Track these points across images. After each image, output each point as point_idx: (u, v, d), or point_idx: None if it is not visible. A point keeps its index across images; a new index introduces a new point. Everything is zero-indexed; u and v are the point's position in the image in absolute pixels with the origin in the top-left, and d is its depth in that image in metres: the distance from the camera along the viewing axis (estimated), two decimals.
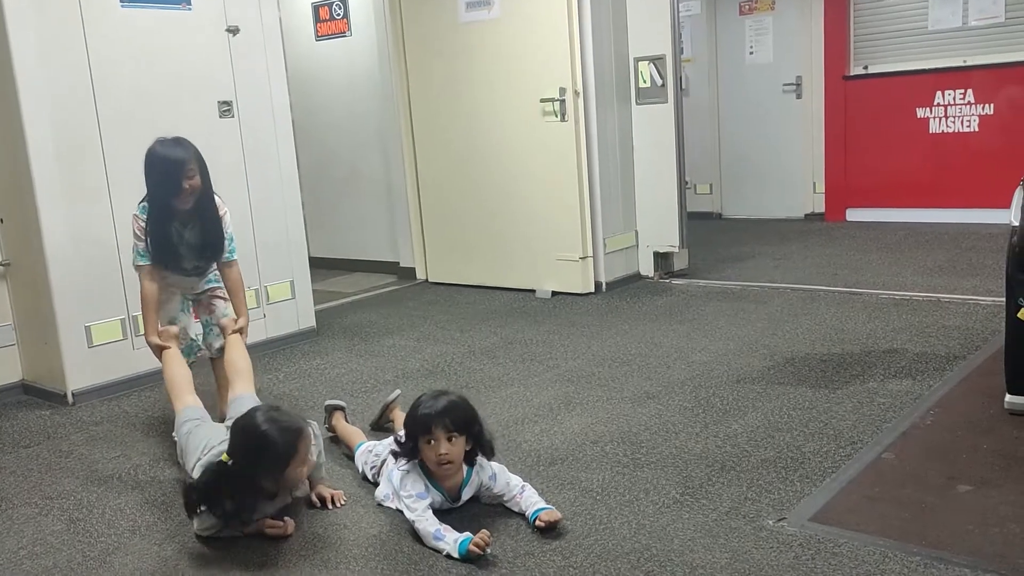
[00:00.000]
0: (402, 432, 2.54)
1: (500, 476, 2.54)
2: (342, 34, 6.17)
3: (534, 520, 2.41)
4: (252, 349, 4.34)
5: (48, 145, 3.70)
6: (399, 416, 3.10)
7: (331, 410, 3.21)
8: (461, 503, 2.54)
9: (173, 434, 2.85)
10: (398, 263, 6.17)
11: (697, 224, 6.40)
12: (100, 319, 3.90)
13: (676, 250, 5.51)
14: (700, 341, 4.16)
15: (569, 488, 2.66)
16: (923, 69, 6.66)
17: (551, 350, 4.21)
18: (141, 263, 3.19)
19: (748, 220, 7.64)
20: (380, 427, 3.25)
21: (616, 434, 3.06)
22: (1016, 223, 2.74)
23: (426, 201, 5.86)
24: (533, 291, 5.37)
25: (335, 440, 3.13)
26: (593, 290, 5.26)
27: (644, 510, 2.49)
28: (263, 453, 2.39)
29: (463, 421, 2.45)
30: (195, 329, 3.44)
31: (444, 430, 2.41)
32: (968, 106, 6.50)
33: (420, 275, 6.01)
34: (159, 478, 2.99)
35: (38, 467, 3.17)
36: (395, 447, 2.55)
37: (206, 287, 3.40)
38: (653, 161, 5.43)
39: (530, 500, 2.48)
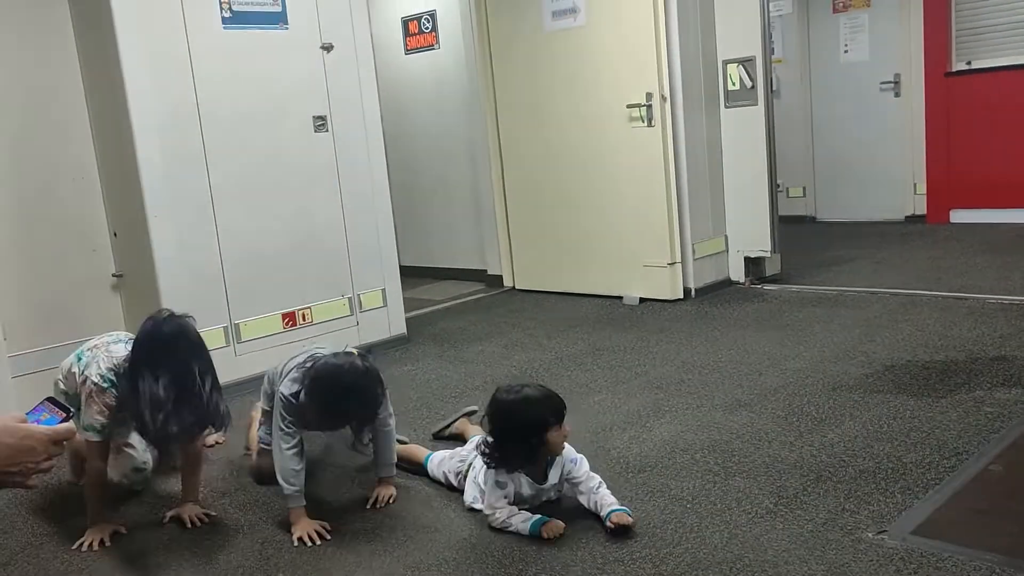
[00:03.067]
0: (485, 438, 2.58)
1: (581, 462, 2.57)
2: (431, 47, 6.29)
3: (607, 519, 2.43)
4: None
5: (157, 162, 3.90)
6: (469, 428, 3.15)
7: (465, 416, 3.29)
8: (548, 484, 2.55)
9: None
10: (486, 271, 6.24)
11: (790, 228, 6.24)
12: (206, 327, 4.08)
13: (768, 255, 5.40)
14: (793, 348, 4.06)
15: (659, 496, 2.64)
16: None
17: (639, 357, 4.18)
18: (94, 438, 2.62)
19: (844, 223, 7.40)
20: (442, 437, 3.26)
21: (707, 442, 3.02)
22: None
23: (513, 209, 5.91)
24: (620, 298, 5.34)
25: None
26: (682, 296, 5.20)
27: (736, 519, 2.45)
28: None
29: (562, 410, 2.52)
30: (145, 456, 2.99)
31: (556, 417, 2.48)
32: None
33: (507, 283, 6.06)
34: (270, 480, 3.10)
35: None
36: (486, 451, 2.55)
37: None
38: (743, 165, 5.33)
39: (606, 499, 2.49)
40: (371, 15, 5.03)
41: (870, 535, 2.28)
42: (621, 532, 2.40)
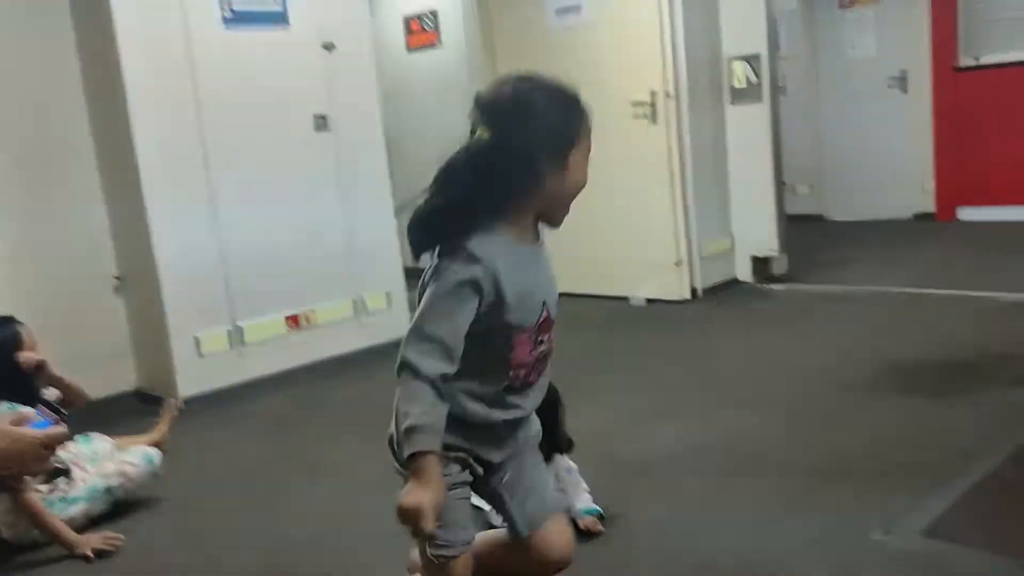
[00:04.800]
0: None
1: (574, 471, 2.51)
2: (433, 45, 6.27)
3: (579, 517, 2.38)
4: (349, 357, 4.49)
5: (157, 162, 3.88)
6: None
7: None
8: None
9: None
10: None
11: (798, 227, 6.19)
12: (209, 329, 4.07)
13: (775, 254, 5.35)
14: (802, 348, 4.02)
15: (666, 496, 2.61)
16: None
17: (646, 358, 4.14)
18: None
19: (852, 222, 7.34)
20: None
21: (714, 443, 2.99)
22: None
23: None
24: (627, 298, 5.30)
25: None
26: (689, 296, 5.15)
27: (745, 521, 2.41)
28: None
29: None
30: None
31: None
32: None
33: None
34: (261, 482, 3.08)
35: None
36: None
37: None
38: (749, 163, 5.28)
39: (583, 497, 2.45)
40: (372, 13, 5.02)
41: (878, 536, 2.24)
42: (588, 536, 2.35)
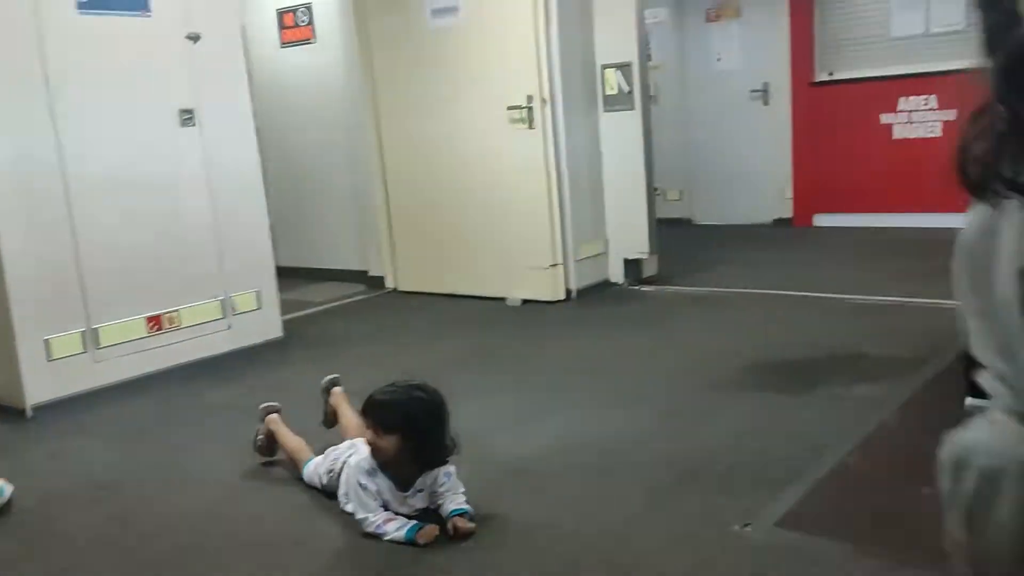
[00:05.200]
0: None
1: (454, 475, 2.51)
2: (307, 41, 6.13)
3: (448, 517, 2.40)
4: (216, 361, 4.34)
5: (3, 158, 3.62)
6: (341, 402, 3.07)
7: (267, 413, 3.05)
8: (411, 492, 2.48)
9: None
10: (367, 272, 6.12)
11: (668, 230, 6.41)
12: (60, 331, 3.82)
13: (646, 256, 5.52)
14: (670, 347, 4.16)
15: (539, 497, 2.64)
16: (886, 75, 6.73)
17: (522, 359, 4.19)
18: None
19: (718, 226, 7.67)
20: (332, 424, 3.11)
21: (586, 442, 3.05)
22: None
23: (395, 209, 5.82)
24: (503, 299, 5.34)
25: (269, 450, 3.03)
26: (564, 298, 5.25)
27: (612, 517, 2.47)
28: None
29: (396, 422, 2.41)
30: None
31: (372, 421, 2.43)
32: (931, 112, 6.58)
33: (389, 284, 5.97)
34: (119, 492, 2.92)
35: None
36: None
37: None
38: (622, 168, 5.43)
39: (457, 499, 2.46)
40: (243, 5, 4.85)
41: (737, 528, 2.35)
42: (460, 538, 2.36)
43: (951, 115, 6.49)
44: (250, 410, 3.15)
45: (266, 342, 4.60)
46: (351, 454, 2.61)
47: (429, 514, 2.48)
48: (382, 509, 2.45)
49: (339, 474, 2.63)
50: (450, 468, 2.51)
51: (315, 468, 2.77)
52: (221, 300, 4.38)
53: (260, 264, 4.58)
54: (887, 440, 2.87)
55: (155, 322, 4.12)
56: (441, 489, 2.48)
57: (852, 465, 2.69)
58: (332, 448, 2.79)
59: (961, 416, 2.97)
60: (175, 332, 4.19)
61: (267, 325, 4.63)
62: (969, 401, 2.90)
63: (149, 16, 4.04)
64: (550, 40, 5.02)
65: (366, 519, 2.43)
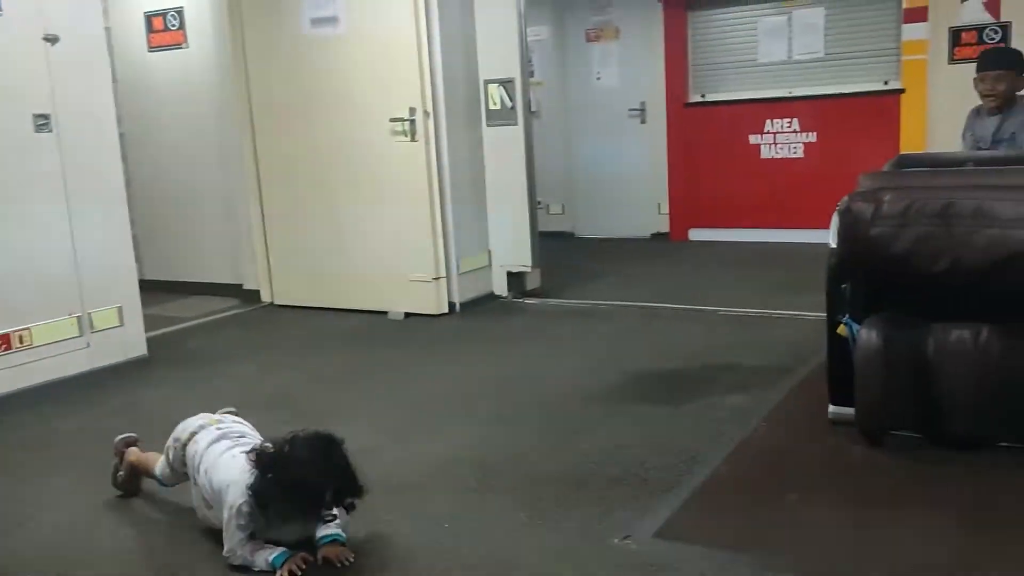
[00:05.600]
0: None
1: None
2: (178, 46, 5.87)
3: (320, 545, 2.31)
4: (73, 381, 4.06)
5: None
6: (144, 460, 2.78)
7: (126, 446, 2.82)
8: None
9: None
10: (241, 285, 5.90)
11: (550, 244, 6.49)
12: None
13: (529, 270, 5.55)
14: (551, 360, 4.19)
15: (419, 516, 2.58)
16: (754, 98, 7.07)
17: (403, 374, 4.12)
18: None
19: (599, 239, 7.82)
20: (134, 491, 2.83)
21: (467, 459, 3.01)
22: (833, 245, 2.91)
23: (271, 220, 5.63)
24: (385, 313, 5.25)
25: (132, 486, 2.82)
26: (447, 311, 5.21)
27: (493, 535, 2.45)
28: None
29: (346, 489, 2.29)
30: None
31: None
32: (794, 133, 6.94)
33: (265, 298, 5.77)
34: None
35: None
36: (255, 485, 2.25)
37: None
38: (505, 182, 5.45)
39: (327, 527, 2.35)
40: (107, 7, 4.60)
41: (616, 541, 2.36)
42: (330, 564, 2.28)
43: (812, 137, 6.88)
44: (107, 434, 2.95)
45: (129, 361, 4.35)
46: (201, 429, 2.51)
47: (301, 543, 2.37)
48: (250, 538, 2.32)
49: (192, 458, 2.49)
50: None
51: (163, 464, 2.63)
52: (78, 317, 4.11)
53: (122, 278, 4.33)
54: (756, 448, 2.97)
55: (3, 341, 3.82)
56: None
57: (726, 474, 2.76)
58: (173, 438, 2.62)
59: (824, 423, 3.13)
60: (26, 352, 3.90)
61: (130, 343, 4.38)
62: (832, 410, 3.05)
63: (0, 15, 3.76)
64: (432, 53, 4.99)
65: (233, 552, 2.31)
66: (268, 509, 2.26)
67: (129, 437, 2.86)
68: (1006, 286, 2.63)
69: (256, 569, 2.29)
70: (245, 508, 2.27)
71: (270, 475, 2.22)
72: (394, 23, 4.95)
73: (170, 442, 2.62)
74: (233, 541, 2.30)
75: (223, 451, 2.44)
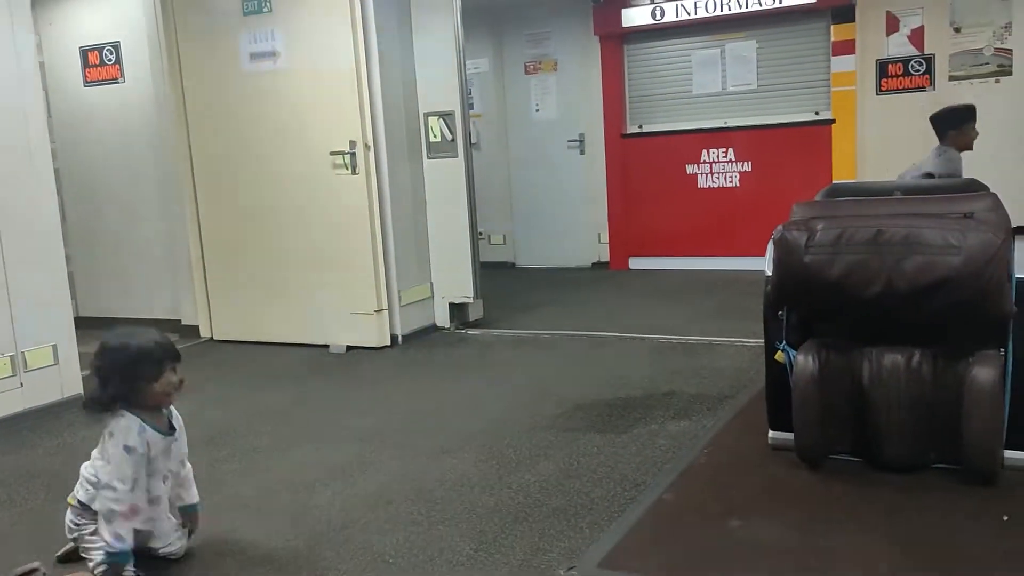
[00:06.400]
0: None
1: (183, 431, 2.58)
2: (114, 80, 5.79)
3: (185, 512, 2.58)
4: (8, 422, 3.94)
5: None
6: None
7: None
8: (177, 434, 2.54)
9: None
10: (180, 321, 5.79)
11: (492, 274, 6.53)
12: None
13: (471, 300, 5.58)
14: (494, 391, 4.21)
15: (362, 553, 2.57)
16: (690, 129, 7.26)
17: (345, 407, 4.09)
18: None
19: (541, 269, 7.90)
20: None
21: (411, 492, 3.00)
22: (769, 273, 3.00)
23: (210, 255, 5.56)
24: (327, 346, 5.22)
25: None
26: (389, 343, 5.19)
27: (438, 570, 2.45)
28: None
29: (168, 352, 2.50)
30: None
31: (171, 360, 2.46)
32: (730, 163, 7.14)
33: (204, 333, 5.67)
34: None
35: None
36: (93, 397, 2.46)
37: None
38: (446, 213, 5.49)
39: (192, 492, 2.61)
40: (42, 41, 4.52)
41: (562, 572, 2.38)
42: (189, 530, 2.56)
43: (747, 167, 7.08)
44: (41, 477, 2.87)
45: (64, 400, 4.23)
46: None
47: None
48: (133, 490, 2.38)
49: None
50: (178, 415, 2.56)
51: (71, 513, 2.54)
52: (11, 356, 4.00)
53: (56, 315, 4.22)
54: (699, 475, 3.02)
55: None
56: (180, 444, 2.56)
57: (669, 501, 2.80)
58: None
59: (764, 448, 3.20)
60: None
61: (65, 381, 4.26)
62: (772, 435, 3.13)
63: None
64: (372, 87, 5.03)
65: (116, 491, 2.34)
66: (125, 401, 2.42)
67: (32, 568, 2.51)
68: (936, 311, 2.73)
69: (105, 537, 2.35)
70: (134, 425, 2.40)
71: (107, 374, 2.42)
72: (334, 57, 4.97)
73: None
74: (123, 479, 2.36)
75: (90, 463, 2.51)
